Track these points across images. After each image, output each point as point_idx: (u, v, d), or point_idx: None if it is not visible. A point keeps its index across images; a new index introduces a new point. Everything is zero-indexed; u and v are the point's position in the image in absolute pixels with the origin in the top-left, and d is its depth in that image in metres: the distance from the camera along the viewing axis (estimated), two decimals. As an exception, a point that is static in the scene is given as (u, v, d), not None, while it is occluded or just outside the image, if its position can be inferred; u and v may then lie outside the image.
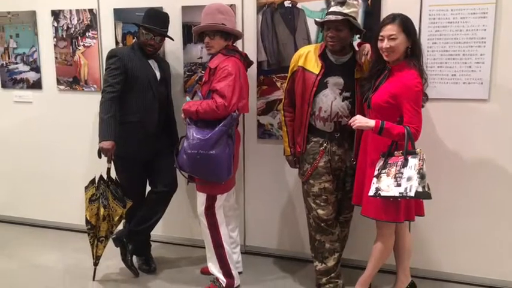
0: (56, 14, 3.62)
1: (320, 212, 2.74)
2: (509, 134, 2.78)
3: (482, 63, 2.76)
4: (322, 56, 2.66)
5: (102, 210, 2.89)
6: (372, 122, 2.35)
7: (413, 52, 2.41)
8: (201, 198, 2.85)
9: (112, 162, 2.93)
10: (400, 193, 2.26)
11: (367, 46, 2.60)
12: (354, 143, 2.69)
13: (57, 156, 3.83)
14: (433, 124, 2.86)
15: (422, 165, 2.24)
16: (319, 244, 2.80)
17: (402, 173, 2.28)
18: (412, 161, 2.27)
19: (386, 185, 2.32)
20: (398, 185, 2.27)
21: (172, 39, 3.15)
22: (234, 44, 2.91)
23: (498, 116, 2.78)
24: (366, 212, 2.52)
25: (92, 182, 2.98)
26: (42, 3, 3.65)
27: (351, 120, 2.43)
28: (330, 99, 2.65)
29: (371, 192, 2.37)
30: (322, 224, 2.76)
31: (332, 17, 2.53)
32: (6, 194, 4.09)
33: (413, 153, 2.29)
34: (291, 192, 3.28)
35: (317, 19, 2.70)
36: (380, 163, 2.41)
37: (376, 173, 2.39)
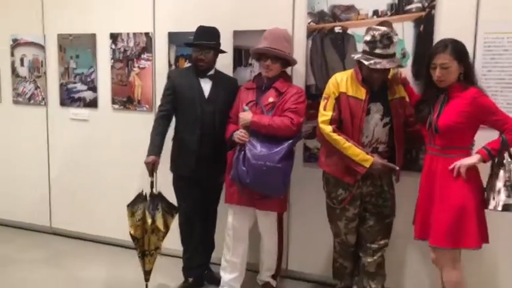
0: (114, 37, 3.80)
1: (349, 237, 2.80)
2: None
3: (539, 93, 2.67)
4: (363, 83, 2.65)
5: (149, 221, 2.92)
6: (476, 157, 2.34)
7: (466, 76, 2.39)
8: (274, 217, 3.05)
9: (154, 176, 3.03)
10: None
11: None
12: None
13: (110, 173, 3.97)
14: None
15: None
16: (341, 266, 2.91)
17: None
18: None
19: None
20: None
21: (224, 52, 3.17)
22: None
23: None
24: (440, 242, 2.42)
25: (140, 199, 3.03)
26: (102, 27, 3.84)
27: (455, 170, 2.36)
28: (372, 125, 2.66)
29: (501, 207, 2.30)
30: (351, 250, 2.82)
31: (386, 64, 2.50)
32: (62, 209, 4.25)
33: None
34: (336, 218, 3.23)
35: (365, 62, 2.52)
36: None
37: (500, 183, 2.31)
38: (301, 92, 2.94)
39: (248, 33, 3.26)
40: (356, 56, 2.62)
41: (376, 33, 2.51)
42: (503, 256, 2.86)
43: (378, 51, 2.51)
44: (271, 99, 2.89)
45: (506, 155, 2.31)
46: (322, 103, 2.71)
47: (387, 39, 2.49)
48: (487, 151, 2.33)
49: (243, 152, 2.81)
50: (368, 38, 2.54)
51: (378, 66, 2.50)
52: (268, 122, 2.79)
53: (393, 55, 2.55)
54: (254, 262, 3.33)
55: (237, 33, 3.36)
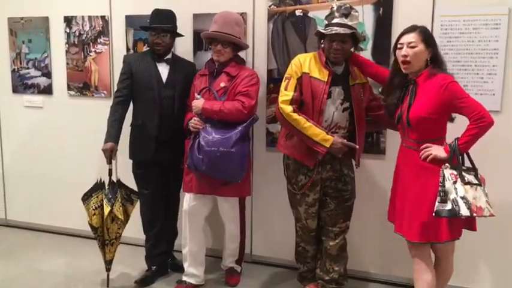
0: (68, 20, 3.66)
1: (310, 222, 2.81)
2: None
3: (494, 75, 2.74)
4: (326, 65, 2.64)
5: (107, 210, 2.85)
6: (443, 153, 2.26)
7: (434, 63, 2.32)
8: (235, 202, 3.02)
9: (112, 163, 2.99)
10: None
11: None
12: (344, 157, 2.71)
13: (66, 161, 3.85)
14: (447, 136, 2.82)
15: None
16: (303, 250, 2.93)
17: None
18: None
19: None
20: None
21: (181, 35, 3.12)
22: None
23: (510, 127, 2.75)
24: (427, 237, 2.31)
25: (96, 187, 2.96)
26: (55, 10, 3.69)
27: (424, 154, 2.29)
28: (332, 110, 2.65)
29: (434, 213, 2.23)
30: (312, 234, 2.85)
31: (340, 30, 2.50)
32: (18, 200, 4.10)
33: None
34: (299, 202, 3.24)
35: (322, 30, 2.59)
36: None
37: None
38: (254, 74, 2.90)
39: (208, 16, 3.17)
40: (322, 30, 2.59)
41: (334, 5, 2.57)
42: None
43: (335, 20, 2.53)
44: (222, 84, 2.86)
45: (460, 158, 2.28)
46: (284, 83, 2.67)
47: (344, 9, 2.51)
48: (454, 148, 2.25)
49: (197, 140, 2.78)
50: (327, 13, 2.59)
51: (333, 32, 2.50)
52: (219, 108, 2.76)
53: (352, 28, 2.52)
54: (218, 248, 3.32)
55: (196, 16, 3.29)
